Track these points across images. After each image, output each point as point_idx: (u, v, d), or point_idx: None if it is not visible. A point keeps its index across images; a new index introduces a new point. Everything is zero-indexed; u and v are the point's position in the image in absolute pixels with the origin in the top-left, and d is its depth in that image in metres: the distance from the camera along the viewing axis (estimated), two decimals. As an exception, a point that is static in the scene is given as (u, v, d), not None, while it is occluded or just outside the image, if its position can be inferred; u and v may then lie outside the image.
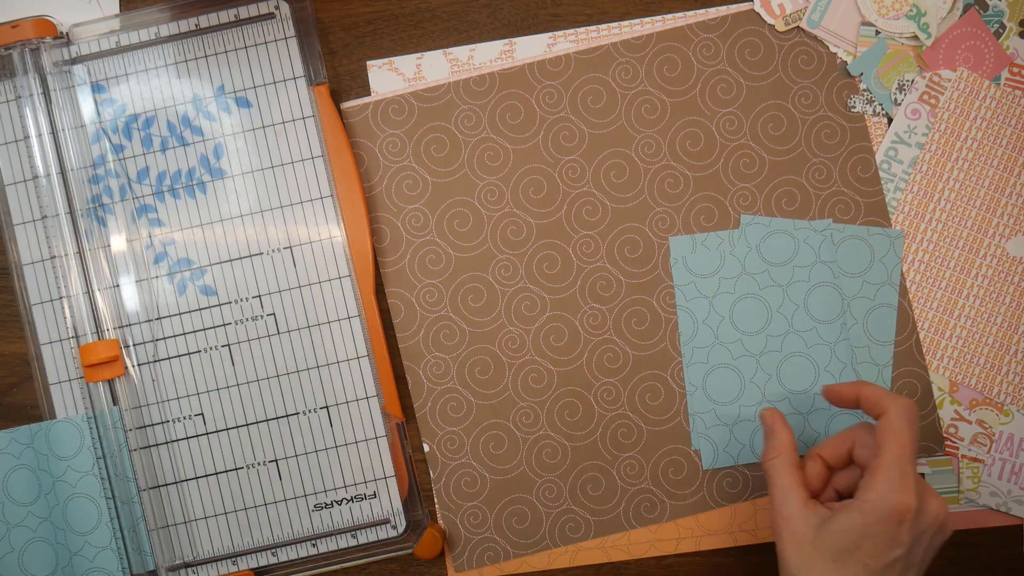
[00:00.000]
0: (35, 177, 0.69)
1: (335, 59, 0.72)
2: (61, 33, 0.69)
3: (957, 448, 0.70)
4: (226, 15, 0.70)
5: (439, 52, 0.72)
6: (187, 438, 0.70)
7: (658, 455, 0.71)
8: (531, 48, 0.72)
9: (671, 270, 0.71)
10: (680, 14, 0.72)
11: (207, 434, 0.70)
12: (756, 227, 0.71)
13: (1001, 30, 0.71)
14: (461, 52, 0.72)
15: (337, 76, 0.72)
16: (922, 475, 0.70)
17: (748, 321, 0.70)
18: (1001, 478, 0.70)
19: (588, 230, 0.71)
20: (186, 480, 0.70)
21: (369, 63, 0.72)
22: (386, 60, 0.72)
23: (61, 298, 0.69)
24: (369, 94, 0.72)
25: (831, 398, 0.65)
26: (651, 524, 0.71)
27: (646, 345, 0.71)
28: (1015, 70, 0.71)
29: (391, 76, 0.72)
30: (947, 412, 0.70)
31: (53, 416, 0.69)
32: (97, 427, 0.68)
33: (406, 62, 0.72)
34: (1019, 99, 0.71)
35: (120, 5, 0.72)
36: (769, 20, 0.71)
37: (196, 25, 0.70)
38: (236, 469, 0.70)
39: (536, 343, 0.71)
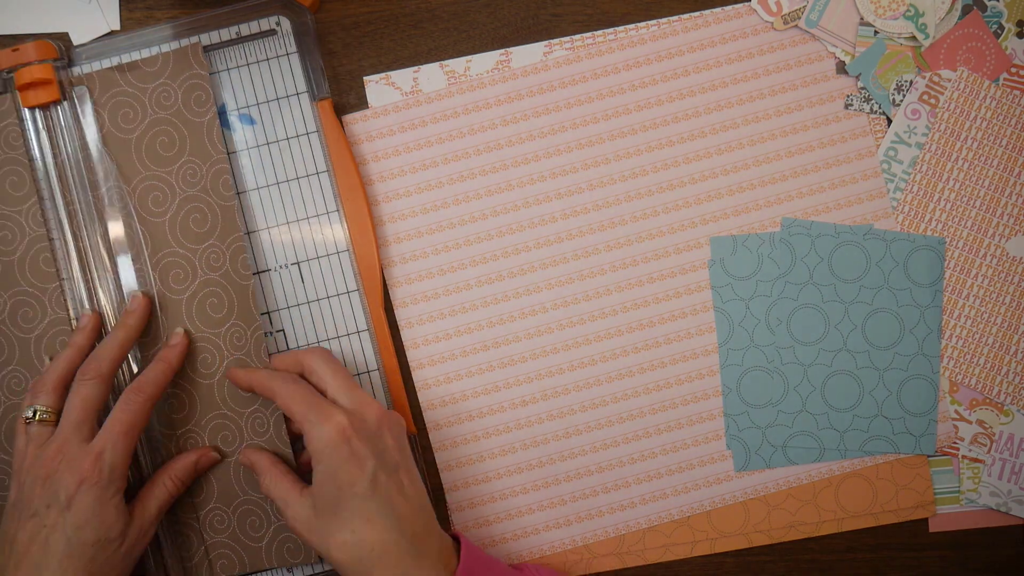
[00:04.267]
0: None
1: (335, 59, 0.72)
2: (62, 54, 0.68)
3: (957, 448, 0.71)
4: (228, 33, 0.69)
5: (436, 65, 0.72)
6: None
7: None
8: (527, 57, 0.72)
9: (708, 271, 0.71)
10: (682, 15, 0.72)
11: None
12: (800, 232, 0.71)
13: (1000, 31, 0.71)
14: (458, 64, 0.72)
15: (336, 77, 0.72)
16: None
17: (805, 331, 0.71)
18: (1001, 478, 0.71)
19: (209, 327, 0.69)
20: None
21: (366, 79, 0.71)
22: (383, 75, 0.72)
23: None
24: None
25: (237, 384, 0.66)
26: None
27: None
28: (1014, 70, 0.71)
29: (388, 90, 0.72)
30: (947, 412, 0.71)
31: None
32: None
33: (403, 76, 0.72)
34: (1019, 99, 0.71)
35: (120, 5, 0.72)
36: (767, 19, 0.71)
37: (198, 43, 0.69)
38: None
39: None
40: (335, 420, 0.60)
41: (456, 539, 0.64)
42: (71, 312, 0.68)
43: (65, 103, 0.68)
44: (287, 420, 0.67)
